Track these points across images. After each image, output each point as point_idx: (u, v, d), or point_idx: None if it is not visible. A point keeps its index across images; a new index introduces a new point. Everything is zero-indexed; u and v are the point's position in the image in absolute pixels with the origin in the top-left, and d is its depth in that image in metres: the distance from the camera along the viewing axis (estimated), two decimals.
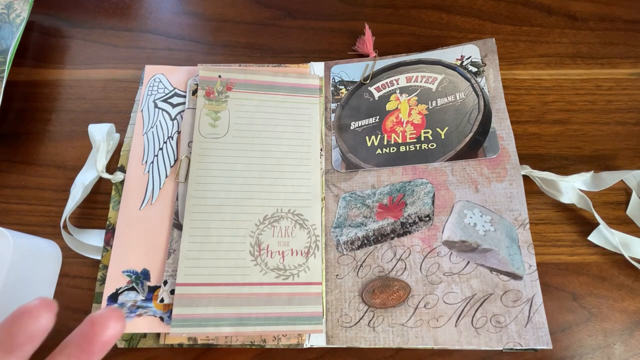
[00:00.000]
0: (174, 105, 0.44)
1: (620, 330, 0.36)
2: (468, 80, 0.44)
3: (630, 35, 0.48)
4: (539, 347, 0.34)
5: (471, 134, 0.41)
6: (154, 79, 0.46)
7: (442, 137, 0.42)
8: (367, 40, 0.47)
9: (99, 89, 0.47)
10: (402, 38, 0.48)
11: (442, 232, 0.38)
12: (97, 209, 0.42)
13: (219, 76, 0.44)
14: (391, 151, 0.42)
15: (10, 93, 0.46)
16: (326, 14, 0.51)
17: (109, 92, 0.47)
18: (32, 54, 0.50)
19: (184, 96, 0.45)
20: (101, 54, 0.49)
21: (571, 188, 0.39)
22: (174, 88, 0.45)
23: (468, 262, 0.37)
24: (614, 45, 0.47)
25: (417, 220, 0.39)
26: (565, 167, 0.42)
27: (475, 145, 0.41)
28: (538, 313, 0.35)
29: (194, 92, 0.44)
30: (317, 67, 0.47)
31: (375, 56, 0.47)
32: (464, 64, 0.45)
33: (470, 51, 0.45)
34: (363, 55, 0.48)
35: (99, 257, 0.39)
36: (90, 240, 0.40)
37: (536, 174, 0.40)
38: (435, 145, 0.42)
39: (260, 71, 0.45)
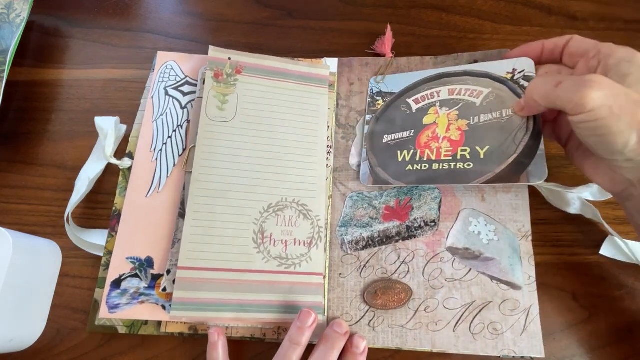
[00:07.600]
0: (184, 94, 0.44)
1: (620, 330, 0.36)
2: (519, 96, 0.38)
3: (630, 35, 0.47)
4: (532, 356, 0.35)
5: (515, 156, 0.36)
6: (166, 66, 0.45)
7: (481, 156, 0.37)
8: (387, 41, 0.46)
9: (99, 89, 0.47)
10: (402, 38, 0.48)
11: (447, 238, 0.38)
12: (98, 209, 0.42)
13: (229, 58, 0.44)
14: (422, 168, 0.39)
15: (10, 93, 0.46)
16: (326, 14, 0.51)
17: (109, 92, 0.47)
18: (32, 54, 0.50)
19: (196, 85, 0.44)
20: (101, 54, 0.49)
21: (577, 199, 0.39)
22: (186, 76, 0.45)
23: (470, 270, 0.37)
24: None
25: (422, 224, 0.39)
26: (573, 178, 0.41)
27: (519, 169, 0.36)
28: (534, 323, 0.35)
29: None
30: (331, 64, 0.46)
31: (392, 57, 0.46)
32: (515, 77, 0.39)
33: (523, 64, 0.39)
34: (380, 55, 0.47)
35: (100, 254, 0.39)
36: (93, 240, 0.40)
37: (543, 185, 0.39)
38: (472, 165, 0.37)
39: (271, 57, 0.45)
